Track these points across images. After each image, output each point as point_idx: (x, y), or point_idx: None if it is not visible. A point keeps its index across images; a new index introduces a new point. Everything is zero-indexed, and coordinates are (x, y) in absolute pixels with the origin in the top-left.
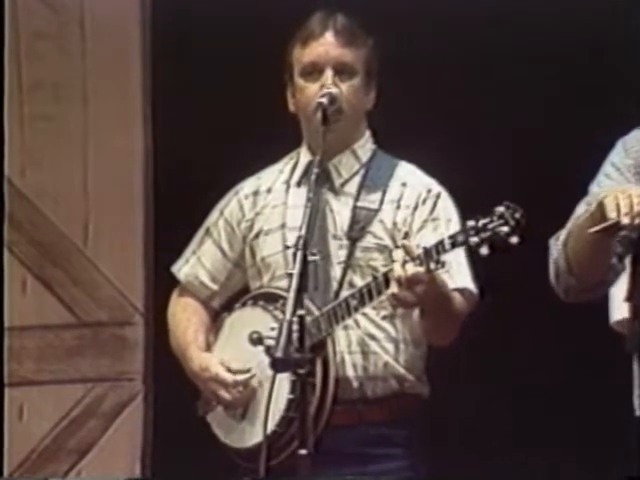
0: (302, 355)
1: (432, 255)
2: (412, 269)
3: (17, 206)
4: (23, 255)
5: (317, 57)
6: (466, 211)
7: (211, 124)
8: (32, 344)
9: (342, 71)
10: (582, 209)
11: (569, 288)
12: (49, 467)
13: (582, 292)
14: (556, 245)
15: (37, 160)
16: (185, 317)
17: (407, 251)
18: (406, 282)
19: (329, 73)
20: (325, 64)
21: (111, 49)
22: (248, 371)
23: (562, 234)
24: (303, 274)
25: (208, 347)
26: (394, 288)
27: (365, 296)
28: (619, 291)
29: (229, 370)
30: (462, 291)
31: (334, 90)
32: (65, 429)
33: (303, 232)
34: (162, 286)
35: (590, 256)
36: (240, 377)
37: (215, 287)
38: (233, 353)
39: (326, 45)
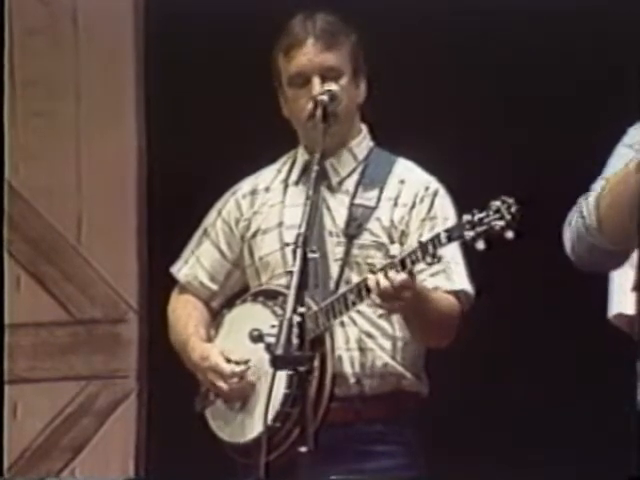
0: (302, 353)
1: (428, 249)
2: (398, 276)
3: (10, 203)
4: (17, 252)
5: (302, 67)
6: (465, 208)
7: (205, 121)
8: (26, 342)
9: (328, 75)
10: (598, 185)
11: (593, 249)
12: (43, 465)
13: (607, 255)
14: (586, 202)
15: (30, 157)
16: (186, 312)
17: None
18: (392, 290)
19: (316, 81)
20: (311, 73)
21: (104, 45)
22: (246, 362)
23: (592, 194)
24: (303, 272)
25: (209, 341)
26: (377, 300)
27: (362, 291)
28: (619, 284)
29: (228, 361)
30: (458, 293)
31: (334, 88)
32: (59, 427)
33: (303, 229)
34: (156, 284)
35: (629, 211)
36: (238, 368)
37: (215, 287)
38: (233, 348)
39: (308, 54)
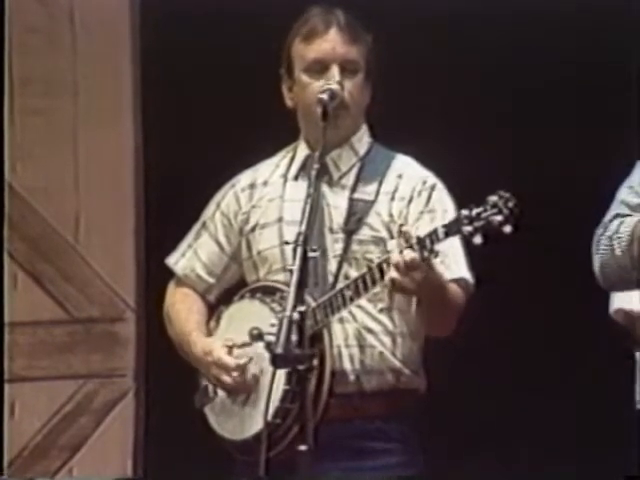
0: (302, 351)
1: (426, 244)
2: (411, 254)
3: (7, 201)
4: (14, 251)
5: (323, 54)
6: (465, 203)
7: (202, 120)
8: (23, 340)
9: (347, 68)
10: (617, 207)
11: (622, 279)
12: (41, 464)
13: (635, 283)
14: (617, 233)
15: (27, 155)
16: (186, 306)
17: (406, 238)
18: (404, 267)
19: (335, 70)
20: (331, 61)
21: (101, 43)
22: (250, 359)
23: (626, 223)
24: (303, 270)
25: (209, 336)
26: (393, 273)
27: (360, 287)
28: None
29: (230, 350)
30: (458, 281)
31: (334, 86)
32: (57, 426)
33: (303, 228)
34: (154, 282)
35: None
36: (242, 361)
37: (212, 280)
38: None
39: (332, 42)
